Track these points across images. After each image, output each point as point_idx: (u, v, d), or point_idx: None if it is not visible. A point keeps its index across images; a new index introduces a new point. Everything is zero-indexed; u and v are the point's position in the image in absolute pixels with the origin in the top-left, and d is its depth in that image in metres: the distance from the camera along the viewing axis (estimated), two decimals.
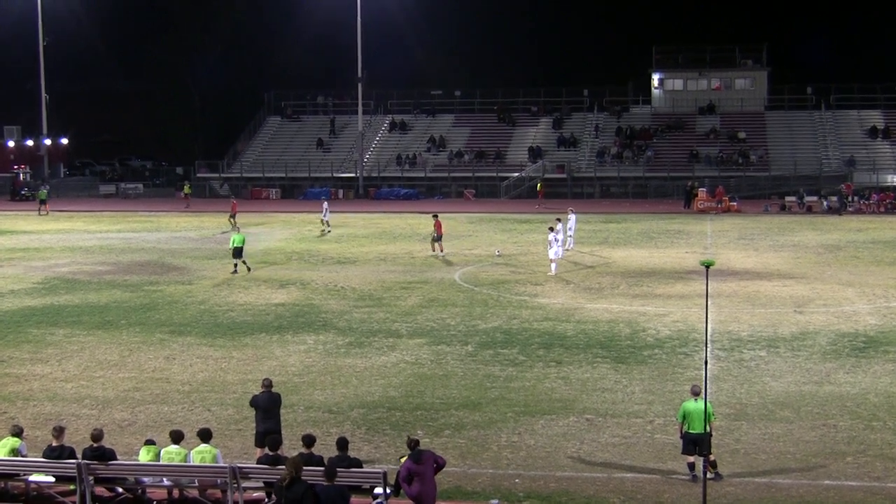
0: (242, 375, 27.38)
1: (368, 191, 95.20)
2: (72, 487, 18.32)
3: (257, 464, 18.24)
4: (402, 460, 17.13)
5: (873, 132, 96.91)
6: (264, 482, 17.69)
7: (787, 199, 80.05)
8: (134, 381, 26.97)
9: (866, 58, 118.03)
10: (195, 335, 32.45)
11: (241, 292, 40.44)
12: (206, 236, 61.40)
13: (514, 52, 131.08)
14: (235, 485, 17.64)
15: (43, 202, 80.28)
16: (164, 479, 18.53)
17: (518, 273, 45.05)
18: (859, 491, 18.98)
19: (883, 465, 20.22)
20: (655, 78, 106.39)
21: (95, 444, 18.24)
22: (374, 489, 17.43)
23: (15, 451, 18.58)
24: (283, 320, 34.74)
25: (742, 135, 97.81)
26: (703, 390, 19.06)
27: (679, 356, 29.20)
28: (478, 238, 59.51)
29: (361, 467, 17.75)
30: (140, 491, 18.73)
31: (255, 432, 20.27)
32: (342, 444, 17.80)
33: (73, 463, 18.04)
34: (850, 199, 77.21)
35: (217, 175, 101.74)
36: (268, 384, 20.28)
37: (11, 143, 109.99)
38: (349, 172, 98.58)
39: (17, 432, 18.97)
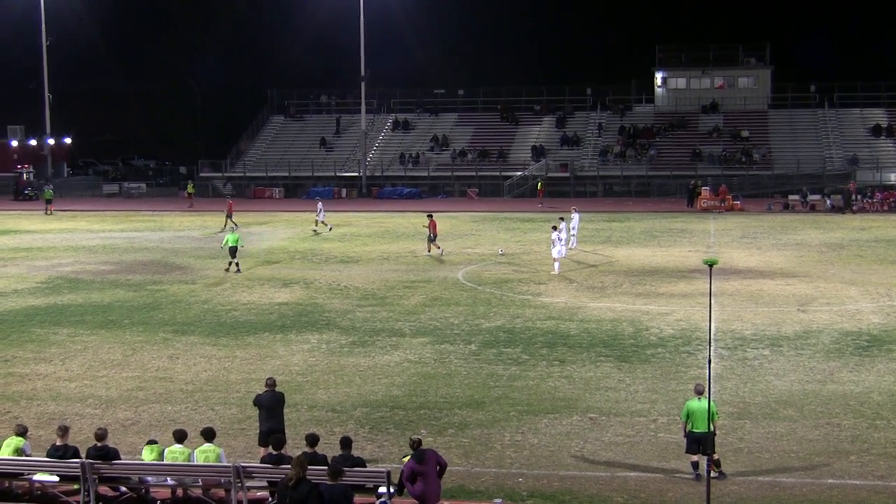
0: (246, 375, 27.40)
1: (371, 190, 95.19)
2: (76, 487, 18.34)
3: (261, 463, 18.25)
4: (406, 460, 17.15)
5: (876, 130, 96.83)
6: (268, 481, 17.70)
7: (791, 197, 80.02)
8: (137, 381, 26.99)
9: (869, 56, 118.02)
10: (198, 334, 32.47)
11: (244, 291, 40.46)
12: (209, 235, 61.42)
13: (517, 50, 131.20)
14: (239, 484, 17.65)
15: (49, 202, 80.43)
16: (168, 478, 18.54)
17: (521, 272, 45.04)
18: (863, 490, 18.96)
19: (886, 464, 20.20)
20: (658, 76, 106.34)
21: (99, 444, 18.26)
22: (377, 488, 17.42)
23: (19, 451, 18.60)
24: (287, 319, 34.75)
25: (745, 133, 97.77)
26: (706, 389, 19.07)
27: (682, 355, 29.19)
28: (481, 237, 59.50)
29: (365, 466, 17.76)
30: (144, 490, 18.74)
31: (258, 431, 20.29)
32: (346, 443, 17.81)
33: (76, 462, 18.05)
34: (854, 197, 77.11)
35: (220, 174, 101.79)
36: (271, 383, 20.29)
37: (15, 143, 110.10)
38: (352, 171, 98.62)
39: (22, 432, 18.99)
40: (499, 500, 18.28)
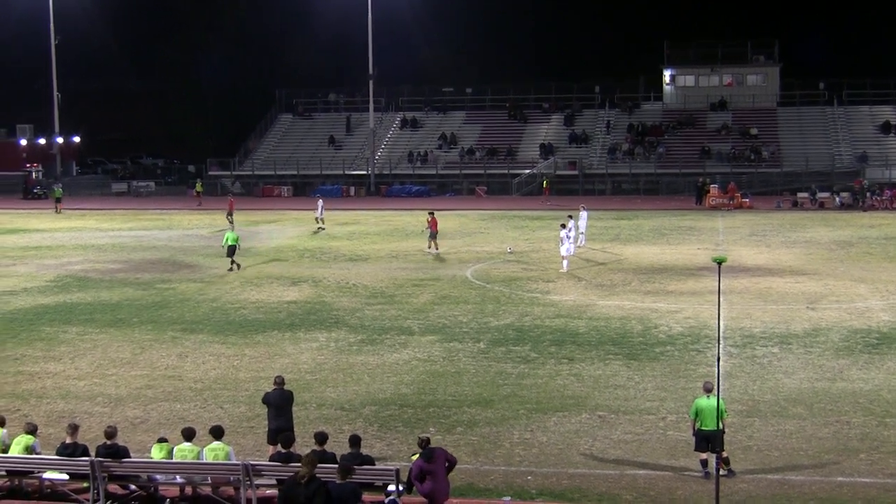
0: (255, 373, 27.42)
1: (380, 188, 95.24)
2: (85, 485, 18.37)
3: (270, 461, 18.26)
4: (414, 458, 17.15)
5: (885, 128, 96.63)
6: (277, 480, 17.71)
7: (800, 195, 79.92)
8: (146, 379, 27.03)
9: (878, 53, 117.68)
10: (207, 333, 32.51)
11: (252, 290, 40.49)
12: (216, 233, 61.41)
13: (525, 48, 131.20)
14: (248, 482, 17.67)
15: (58, 200, 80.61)
16: (177, 476, 18.56)
17: (530, 270, 45.03)
18: (872, 488, 18.93)
19: None
20: (667, 74, 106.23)
21: (109, 442, 18.29)
22: (386, 486, 17.42)
23: (29, 449, 18.64)
24: (295, 318, 34.77)
25: (754, 131, 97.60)
26: (715, 387, 19.04)
27: (691, 353, 29.16)
28: (489, 235, 59.49)
29: (374, 464, 17.77)
30: (153, 488, 18.77)
31: (267, 430, 20.30)
32: (355, 441, 17.82)
33: (86, 460, 18.08)
34: (862, 194, 77.00)
35: (229, 173, 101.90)
36: (280, 381, 20.29)
37: (24, 142, 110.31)
38: (361, 170, 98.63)
39: (32, 430, 19.03)
40: (508, 498, 18.27)
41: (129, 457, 18.37)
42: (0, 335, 32.44)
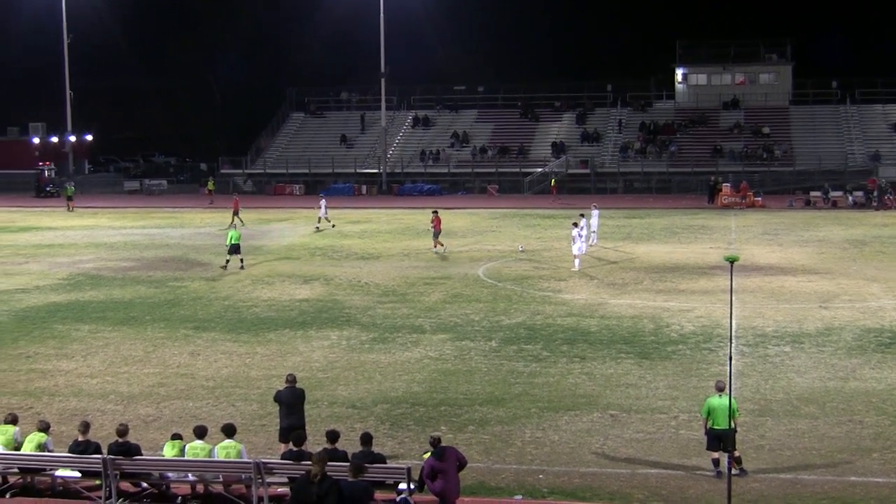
0: (266, 371, 27.46)
1: (392, 186, 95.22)
2: (97, 482, 18.41)
3: (281, 459, 18.28)
4: (426, 457, 17.16)
5: None
6: (288, 478, 17.73)
7: (812, 194, 79.67)
8: (158, 377, 27.09)
9: (891, 52, 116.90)
10: (219, 331, 32.56)
11: (264, 288, 40.54)
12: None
13: (537, 47, 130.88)
14: (260, 480, 17.70)
15: (70, 198, 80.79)
16: (189, 474, 18.61)
17: (541, 269, 45.00)
18: (885, 487, 18.88)
19: None
20: (679, 73, 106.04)
21: (121, 440, 18.35)
22: (397, 485, 17.44)
23: (41, 447, 18.70)
24: (307, 316, 34.81)
25: (766, 129, 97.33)
26: (727, 386, 19.00)
27: (703, 352, 29.12)
28: (501, 234, 59.46)
29: (385, 463, 17.78)
30: (165, 486, 18.82)
31: (279, 428, 20.31)
32: (366, 439, 17.83)
33: (98, 458, 18.13)
34: (874, 193, 76.69)
35: (240, 171, 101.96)
36: (291, 379, 20.31)
37: (36, 140, 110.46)
38: (372, 168, 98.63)
39: (44, 427, 19.08)
40: (519, 497, 18.28)
41: (141, 454, 18.43)
42: (13, 333, 32.55)
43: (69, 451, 18.60)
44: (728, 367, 19.43)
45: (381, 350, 29.77)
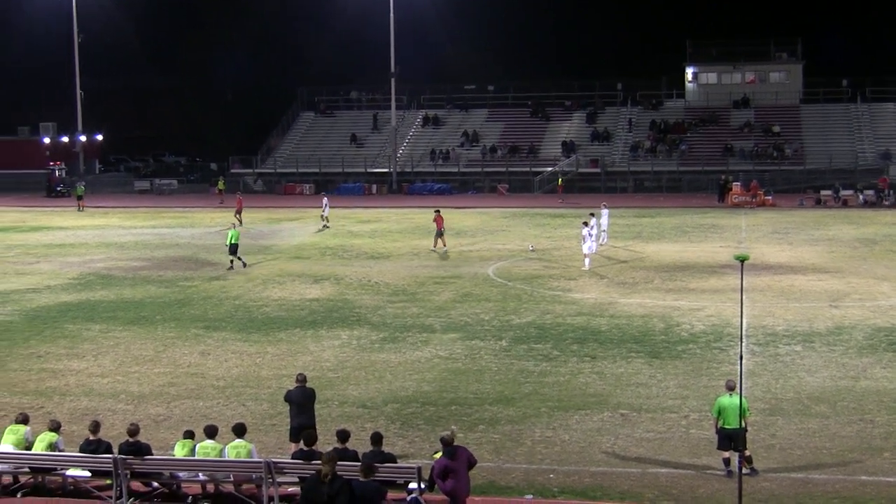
0: (277, 370, 27.48)
1: (402, 186, 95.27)
2: (108, 482, 18.44)
3: (292, 459, 18.29)
4: (437, 456, 17.15)
5: None
6: (299, 477, 17.74)
7: (823, 192, 79.54)
8: (169, 377, 27.12)
9: None
10: (230, 330, 32.60)
11: (275, 287, 40.58)
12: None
13: (547, 46, 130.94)
14: (270, 480, 17.71)
15: (80, 198, 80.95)
16: (200, 473, 18.63)
17: (551, 268, 44.97)
18: None
19: None
20: (689, 71, 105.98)
21: (131, 439, 18.37)
22: (408, 484, 17.44)
23: (52, 446, 18.73)
24: (317, 315, 34.84)
25: (777, 128, 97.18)
26: (737, 385, 18.97)
27: (713, 351, 29.08)
28: (511, 233, 59.44)
29: (396, 462, 17.78)
30: (175, 486, 18.84)
31: (289, 427, 20.32)
32: (376, 438, 17.83)
33: (109, 457, 18.16)
34: (885, 192, 76.55)
35: (251, 170, 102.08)
36: (302, 379, 20.31)
37: (47, 140, 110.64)
38: (383, 167, 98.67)
39: (55, 427, 19.12)
40: (530, 496, 18.27)
41: (152, 454, 18.45)
42: (24, 333, 32.63)
43: (80, 451, 18.64)
44: (738, 367, 19.37)
45: (392, 349, 29.78)
